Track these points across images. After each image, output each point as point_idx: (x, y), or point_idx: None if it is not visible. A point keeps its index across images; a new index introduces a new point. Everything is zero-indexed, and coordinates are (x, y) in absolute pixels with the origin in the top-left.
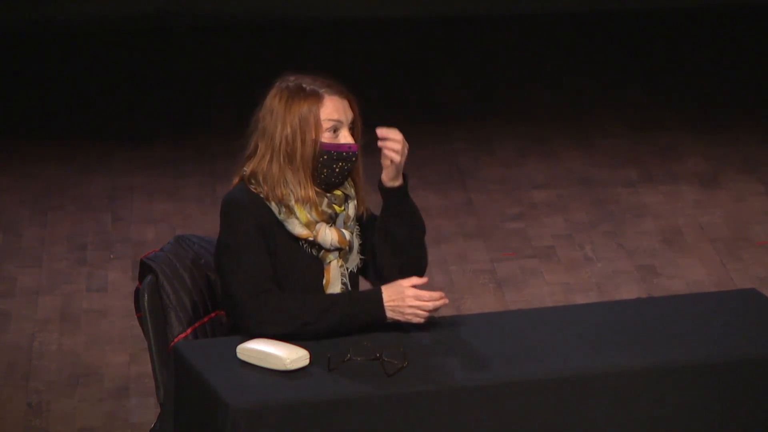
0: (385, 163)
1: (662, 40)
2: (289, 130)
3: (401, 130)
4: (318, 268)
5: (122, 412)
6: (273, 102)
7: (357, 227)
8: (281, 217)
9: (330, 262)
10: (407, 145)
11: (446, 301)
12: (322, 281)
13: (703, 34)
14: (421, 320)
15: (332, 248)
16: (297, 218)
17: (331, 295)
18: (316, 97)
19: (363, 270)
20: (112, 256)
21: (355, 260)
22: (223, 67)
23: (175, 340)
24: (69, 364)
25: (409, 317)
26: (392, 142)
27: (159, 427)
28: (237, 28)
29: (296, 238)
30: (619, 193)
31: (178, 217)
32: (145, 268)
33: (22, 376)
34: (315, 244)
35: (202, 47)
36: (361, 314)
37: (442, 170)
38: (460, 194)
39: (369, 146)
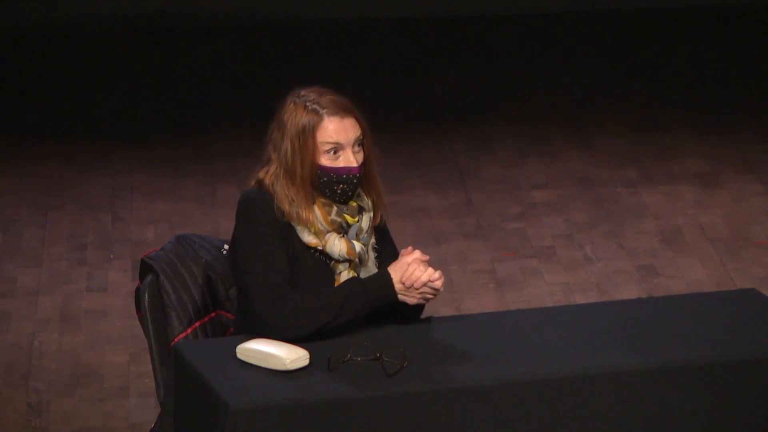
0: (412, 301)
1: (662, 40)
2: (289, 149)
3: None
4: (329, 276)
5: (122, 412)
6: (282, 116)
7: (373, 240)
8: (292, 224)
9: (340, 272)
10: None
11: (443, 277)
12: None
13: (703, 34)
14: (432, 296)
15: (341, 259)
16: (306, 227)
17: (343, 288)
18: (315, 119)
19: None
20: (112, 256)
21: (370, 274)
22: (223, 67)
23: (176, 339)
24: (69, 364)
25: (420, 298)
26: (432, 288)
27: (159, 427)
28: (237, 28)
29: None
30: (619, 193)
31: (178, 217)
32: (145, 268)
33: (22, 376)
34: (325, 253)
35: (202, 47)
36: (377, 302)
37: (442, 170)
38: (460, 194)
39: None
